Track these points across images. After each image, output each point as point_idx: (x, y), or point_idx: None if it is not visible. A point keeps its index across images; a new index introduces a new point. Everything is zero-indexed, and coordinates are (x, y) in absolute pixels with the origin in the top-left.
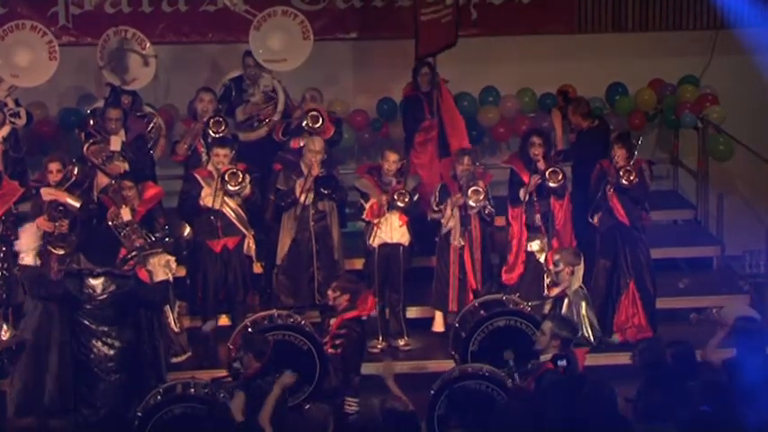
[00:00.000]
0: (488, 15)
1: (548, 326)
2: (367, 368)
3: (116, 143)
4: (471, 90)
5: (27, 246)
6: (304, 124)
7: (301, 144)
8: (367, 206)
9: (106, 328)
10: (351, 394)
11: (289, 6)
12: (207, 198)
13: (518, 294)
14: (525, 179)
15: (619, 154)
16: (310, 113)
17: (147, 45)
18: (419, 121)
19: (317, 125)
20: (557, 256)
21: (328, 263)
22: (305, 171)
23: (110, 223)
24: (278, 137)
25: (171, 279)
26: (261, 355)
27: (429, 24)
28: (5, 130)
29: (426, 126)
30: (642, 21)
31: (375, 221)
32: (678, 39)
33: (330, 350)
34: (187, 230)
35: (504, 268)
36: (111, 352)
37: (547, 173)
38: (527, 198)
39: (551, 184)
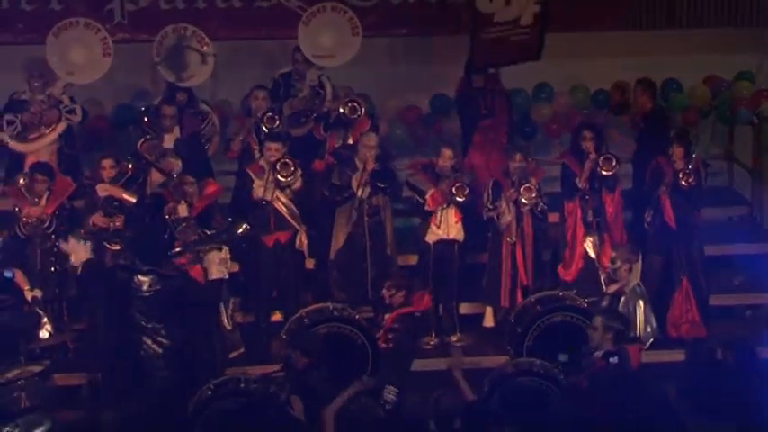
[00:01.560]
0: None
1: (598, 320)
2: (419, 365)
3: (170, 140)
4: (524, 86)
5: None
6: (341, 111)
7: (341, 141)
8: (428, 195)
9: (156, 326)
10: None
11: (340, 2)
12: (259, 189)
13: (576, 291)
14: (578, 173)
15: (677, 152)
16: (349, 103)
17: (207, 42)
18: (475, 120)
19: (355, 115)
20: (614, 254)
21: (381, 258)
22: (359, 166)
23: (166, 217)
24: (318, 133)
25: (226, 277)
26: (309, 350)
27: (494, 42)
28: (61, 127)
29: (487, 126)
30: (697, 17)
31: (437, 210)
32: (733, 35)
33: (383, 345)
34: (242, 227)
35: (561, 265)
36: (160, 350)
37: (600, 159)
38: (584, 186)
39: (604, 172)
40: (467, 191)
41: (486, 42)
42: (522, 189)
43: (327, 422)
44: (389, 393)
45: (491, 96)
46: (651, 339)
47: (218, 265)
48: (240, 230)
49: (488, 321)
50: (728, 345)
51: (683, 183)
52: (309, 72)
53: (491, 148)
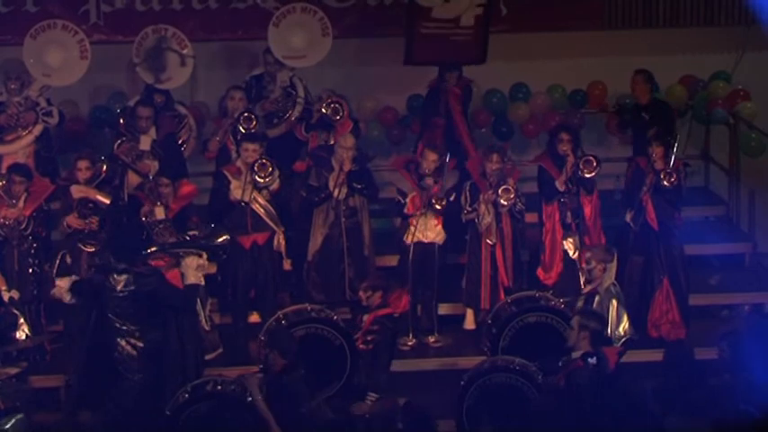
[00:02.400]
0: (518, 11)
1: (575, 320)
2: (396, 366)
3: (146, 142)
4: (501, 87)
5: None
6: (323, 110)
7: (323, 142)
8: (408, 200)
9: (131, 328)
10: (376, 390)
11: (315, 2)
12: (236, 191)
13: (552, 292)
14: (555, 176)
15: (657, 152)
16: (331, 104)
17: (186, 44)
18: (428, 117)
19: (337, 116)
20: (588, 254)
21: (359, 259)
22: (336, 167)
23: (143, 219)
24: (300, 134)
25: (202, 283)
26: (286, 351)
27: (433, 38)
28: (38, 129)
29: (438, 124)
30: (673, 16)
31: (417, 213)
32: (709, 34)
33: (362, 346)
34: (223, 237)
35: (540, 267)
36: (135, 352)
37: (581, 162)
38: (563, 189)
39: (586, 174)
40: (444, 201)
41: (424, 37)
42: (500, 190)
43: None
44: (371, 400)
45: (445, 95)
46: (623, 339)
47: (195, 270)
48: (221, 239)
49: (469, 324)
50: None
51: (665, 183)
52: (281, 73)
53: (439, 145)
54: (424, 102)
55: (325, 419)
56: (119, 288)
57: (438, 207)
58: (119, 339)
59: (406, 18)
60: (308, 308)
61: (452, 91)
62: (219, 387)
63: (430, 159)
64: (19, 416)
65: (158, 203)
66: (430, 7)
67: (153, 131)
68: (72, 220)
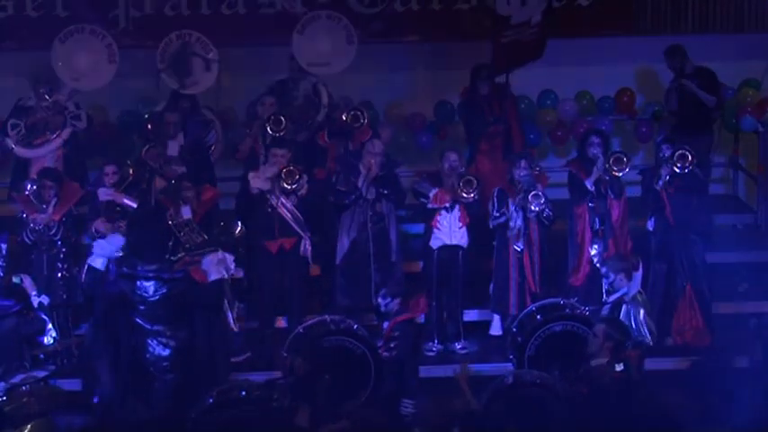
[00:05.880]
0: (546, 18)
1: (600, 328)
2: (425, 371)
3: (173, 148)
4: (529, 93)
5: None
6: (344, 119)
7: (342, 149)
8: (432, 194)
9: (160, 328)
10: (409, 396)
11: (341, 8)
12: (255, 180)
13: (578, 296)
14: (584, 178)
15: (667, 154)
16: (352, 112)
17: (211, 49)
18: (481, 127)
19: (357, 124)
20: (604, 268)
21: (385, 265)
22: (363, 172)
23: (169, 223)
24: (323, 140)
25: (226, 277)
26: (310, 358)
27: (509, 45)
28: (66, 133)
29: (493, 132)
30: (702, 23)
31: (441, 210)
32: (738, 41)
33: (385, 353)
34: (238, 229)
35: (570, 270)
36: (166, 352)
37: (612, 158)
38: (593, 189)
39: (616, 172)
40: (475, 184)
41: (504, 46)
42: (529, 196)
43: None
44: (406, 407)
45: (498, 102)
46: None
47: (217, 265)
48: (237, 232)
49: (496, 329)
50: None
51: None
52: (305, 80)
53: (499, 154)
54: (466, 109)
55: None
56: (150, 293)
57: (466, 195)
58: (148, 341)
59: (491, 29)
60: (327, 319)
61: (511, 96)
62: (245, 393)
63: (451, 159)
64: (40, 420)
65: (184, 205)
66: (509, 15)
67: (180, 137)
68: (100, 225)
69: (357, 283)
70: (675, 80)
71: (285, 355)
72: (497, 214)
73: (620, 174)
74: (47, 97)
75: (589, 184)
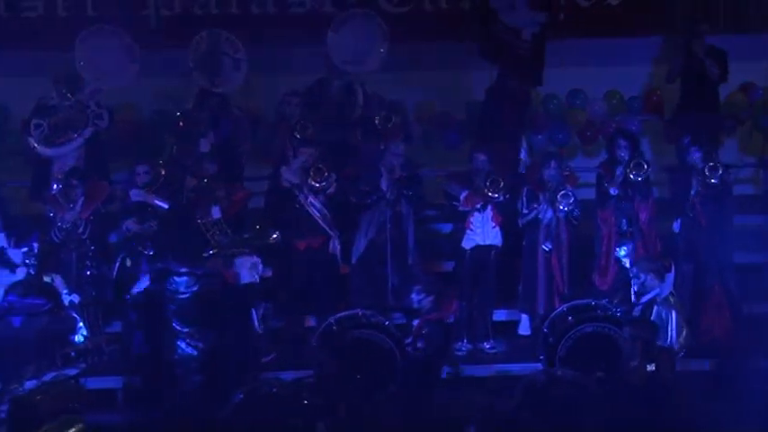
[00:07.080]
0: (576, 17)
1: (627, 330)
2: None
3: (205, 145)
4: (559, 92)
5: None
6: (375, 119)
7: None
8: (463, 197)
9: (190, 330)
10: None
11: (373, 7)
12: (286, 172)
13: (607, 298)
14: (609, 181)
15: (696, 156)
16: (383, 112)
17: (240, 48)
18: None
19: (389, 124)
20: (634, 269)
21: (402, 266)
22: (385, 173)
23: (198, 221)
24: (355, 139)
25: (257, 281)
26: (338, 354)
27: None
28: (88, 132)
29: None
30: (735, 23)
31: (473, 211)
32: None
33: (412, 350)
34: (273, 236)
35: (595, 273)
36: (195, 353)
37: (632, 163)
38: (615, 192)
39: (633, 176)
40: (501, 184)
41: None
42: (558, 195)
43: None
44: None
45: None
46: (683, 349)
47: (249, 270)
48: (271, 239)
49: (524, 329)
50: None
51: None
52: (340, 79)
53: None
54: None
55: None
56: (182, 289)
57: (495, 194)
58: (178, 342)
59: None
60: (360, 313)
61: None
62: (274, 390)
63: (480, 159)
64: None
65: (214, 205)
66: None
67: (211, 135)
68: (131, 225)
69: (373, 284)
70: (685, 44)
71: (315, 343)
72: (527, 211)
73: (638, 178)
74: (69, 96)
75: (613, 190)
